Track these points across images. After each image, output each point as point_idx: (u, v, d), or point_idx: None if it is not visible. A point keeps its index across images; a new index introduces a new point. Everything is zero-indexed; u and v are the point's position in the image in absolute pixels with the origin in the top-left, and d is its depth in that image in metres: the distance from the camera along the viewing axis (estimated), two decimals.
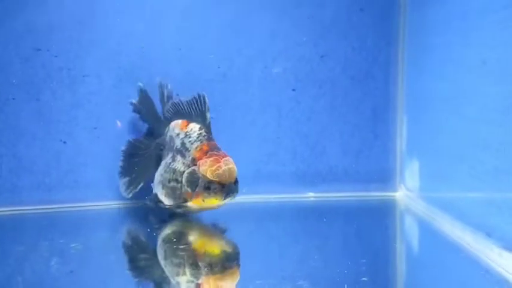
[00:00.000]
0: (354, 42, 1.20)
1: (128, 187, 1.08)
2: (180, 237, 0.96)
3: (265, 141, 1.20)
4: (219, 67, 1.17)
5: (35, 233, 1.01)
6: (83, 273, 0.80)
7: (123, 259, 0.88)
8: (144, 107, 1.11)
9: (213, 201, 0.91)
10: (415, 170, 1.16)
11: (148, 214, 1.06)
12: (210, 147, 0.94)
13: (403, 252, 0.94)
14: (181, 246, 0.88)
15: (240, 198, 1.17)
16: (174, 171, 0.97)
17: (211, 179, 0.89)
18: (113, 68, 1.13)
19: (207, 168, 0.90)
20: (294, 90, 1.20)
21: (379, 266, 0.84)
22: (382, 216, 1.15)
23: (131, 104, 1.11)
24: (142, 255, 0.89)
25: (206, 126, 0.98)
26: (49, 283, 0.77)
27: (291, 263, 0.85)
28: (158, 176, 1.03)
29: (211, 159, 0.91)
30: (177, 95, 1.10)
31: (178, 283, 0.75)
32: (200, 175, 0.91)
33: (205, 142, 0.95)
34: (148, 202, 1.04)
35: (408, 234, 1.05)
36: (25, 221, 1.08)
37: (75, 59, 1.11)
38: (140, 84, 1.10)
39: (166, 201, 0.99)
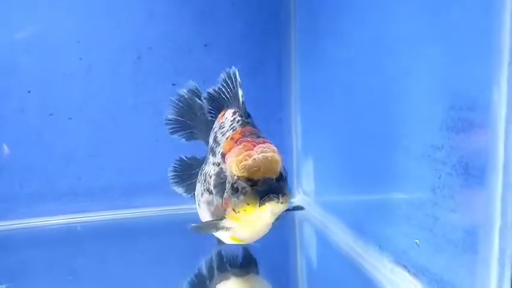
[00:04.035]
0: (242, 28, 1.08)
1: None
2: None
3: (141, 145, 1.06)
4: (80, 58, 1.03)
5: None
6: None
7: None
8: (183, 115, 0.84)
9: (248, 210, 0.61)
10: (311, 172, 1.03)
11: None
12: (243, 134, 0.67)
13: (298, 269, 0.85)
14: None
15: (113, 214, 1.01)
16: (205, 177, 0.72)
17: (238, 174, 0.62)
18: None
19: (232, 160, 0.64)
20: (174, 84, 1.05)
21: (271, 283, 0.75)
22: (279, 226, 1.01)
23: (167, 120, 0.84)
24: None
25: (240, 107, 0.72)
26: None
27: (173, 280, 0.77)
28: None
29: (239, 147, 0.64)
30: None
31: None
32: (227, 173, 0.65)
33: (238, 129, 0.69)
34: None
35: (304, 248, 0.95)
36: None
37: None
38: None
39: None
